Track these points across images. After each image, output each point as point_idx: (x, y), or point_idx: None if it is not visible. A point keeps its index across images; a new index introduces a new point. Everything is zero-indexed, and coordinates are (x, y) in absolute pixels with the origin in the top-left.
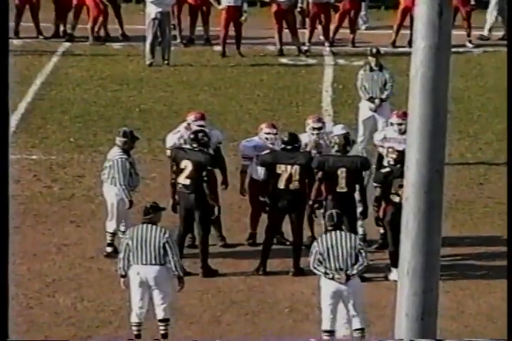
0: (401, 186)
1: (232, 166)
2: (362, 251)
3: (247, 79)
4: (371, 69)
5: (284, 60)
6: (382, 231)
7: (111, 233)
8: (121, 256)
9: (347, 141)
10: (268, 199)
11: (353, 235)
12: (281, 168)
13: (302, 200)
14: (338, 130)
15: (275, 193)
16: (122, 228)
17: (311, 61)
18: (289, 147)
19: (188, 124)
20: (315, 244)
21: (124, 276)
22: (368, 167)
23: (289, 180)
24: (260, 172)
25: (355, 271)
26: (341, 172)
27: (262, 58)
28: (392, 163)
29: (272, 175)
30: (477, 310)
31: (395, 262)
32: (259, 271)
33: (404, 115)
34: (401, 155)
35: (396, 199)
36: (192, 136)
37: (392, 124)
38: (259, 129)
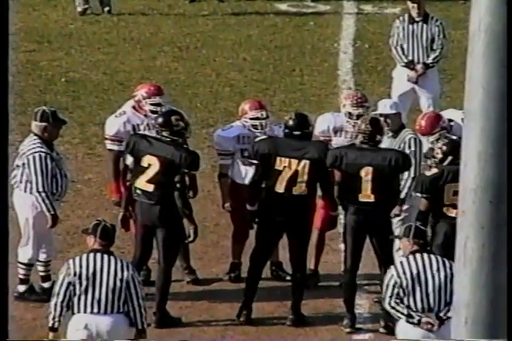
0: (457, 194)
1: (205, 163)
2: None
3: (227, 36)
4: (411, 21)
5: (282, 7)
6: None
7: (25, 264)
8: (57, 300)
9: (376, 128)
10: (258, 209)
11: (446, 260)
12: (282, 163)
13: (309, 212)
14: (383, 108)
15: (270, 200)
16: (42, 256)
17: (322, 8)
18: (296, 133)
19: (138, 102)
20: (393, 272)
21: (56, 330)
22: (408, 166)
23: (293, 180)
24: (245, 172)
25: (450, 314)
26: (366, 173)
27: (250, 4)
28: (438, 159)
29: (267, 173)
30: None
31: None
32: (241, 318)
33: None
34: (452, 148)
35: (451, 213)
36: (161, 120)
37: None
38: (241, 111)
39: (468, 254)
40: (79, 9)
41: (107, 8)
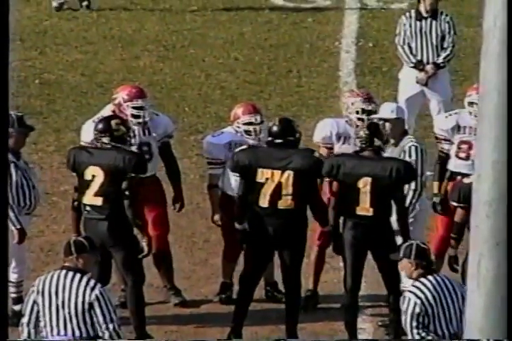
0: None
1: (193, 173)
2: None
3: (217, 33)
4: (419, 17)
5: (278, 2)
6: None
7: None
8: (24, 320)
9: (374, 132)
10: (246, 226)
11: (458, 283)
12: (264, 175)
13: (299, 227)
14: (386, 112)
15: (255, 216)
16: (13, 276)
17: (322, 3)
18: (278, 141)
19: (118, 105)
20: (415, 299)
21: None
22: (413, 177)
23: (277, 194)
24: (237, 183)
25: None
26: (364, 184)
27: None
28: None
29: (250, 187)
30: None
31: None
32: None
33: None
34: None
35: None
36: (100, 126)
37: (471, 104)
38: (233, 116)
39: (482, 274)
40: (54, 4)
41: (85, 3)
